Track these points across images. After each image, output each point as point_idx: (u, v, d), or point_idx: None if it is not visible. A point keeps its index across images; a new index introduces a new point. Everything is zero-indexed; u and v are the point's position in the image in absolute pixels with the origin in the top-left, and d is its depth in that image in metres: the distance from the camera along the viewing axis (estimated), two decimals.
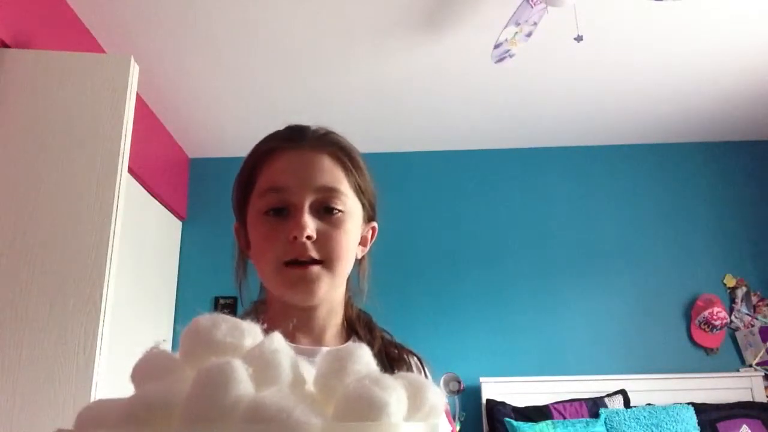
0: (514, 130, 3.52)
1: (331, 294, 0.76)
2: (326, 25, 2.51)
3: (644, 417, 2.90)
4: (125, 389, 0.39)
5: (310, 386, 0.39)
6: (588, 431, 2.82)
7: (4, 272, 1.72)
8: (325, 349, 0.74)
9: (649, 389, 3.18)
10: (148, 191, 3.13)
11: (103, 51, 2.55)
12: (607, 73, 2.95)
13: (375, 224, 0.83)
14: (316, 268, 0.72)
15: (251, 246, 0.77)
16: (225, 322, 0.41)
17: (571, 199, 3.63)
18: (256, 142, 0.80)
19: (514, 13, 2.20)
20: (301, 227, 0.70)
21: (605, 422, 2.89)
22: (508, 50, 2.37)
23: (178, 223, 3.60)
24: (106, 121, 1.89)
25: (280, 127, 0.81)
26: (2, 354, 1.66)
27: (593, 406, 3.02)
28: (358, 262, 0.81)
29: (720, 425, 2.92)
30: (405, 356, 0.81)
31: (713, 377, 3.24)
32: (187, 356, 0.40)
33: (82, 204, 1.80)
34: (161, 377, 0.39)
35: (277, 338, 0.39)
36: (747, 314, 3.39)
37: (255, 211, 0.75)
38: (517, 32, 2.28)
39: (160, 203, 3.31)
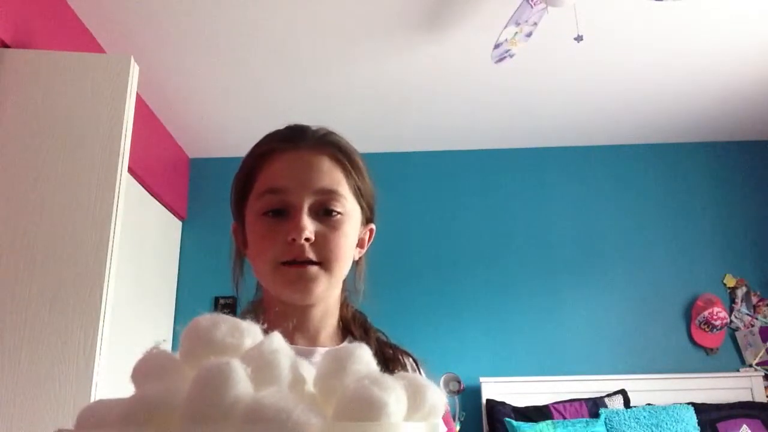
0: (514, 130, 3.52)
1: (327, 294, 0.76)
2: (326, 25, 2.51)
3: (644, 417, 2.90)
4: (125, 389, 0.39)
5: (309, 386, 0.39)
6: (588, 431, 2.83)
7: (4, 272, 1.72)
8: (320, 349, 0.74)
9: (649, 389, 3.18)
10: (148, 191, 3.13)
11: (103, 51, 2.55)
12: (607, 73, 2.95)
13: (373, 226, 0.83)
14: (314, 268, 0.72)
15: (249, 246, 0.77)
16: (225, 322, 0.41)
17: (571, 199, 3.63)
18: (256, 142, 0.80)
19: (514, 13, 2.20)
20: (300, 229, 0.70)
21: (605, 422, 2.89)
22: (508, 50, 2.37)
23: (178, 223, 3.60)
24: (106, 121, 1.89)
25: (280, 126, 0.80)
26: (2, 354, 1.66)
27: (593, 406, 3.02)
28: (355, 264, 0.81)
29: (720, 425, 2.92)
30: (400, 357, 0.81)
31: (713, 377, 3.24)
32: (187, 356, 0.40)
33: (82, 204, 1.80)
34: (161, 377, 0.39)
35: (277, 338, 0.39)
36: (747, 314, 3.39)
37: (253, 211, 0.75)
38: (517, 32, 2.28)
39: (160, 203, 3.31)
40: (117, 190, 1.84)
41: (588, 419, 2.92)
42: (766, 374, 3.26)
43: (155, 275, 3.25)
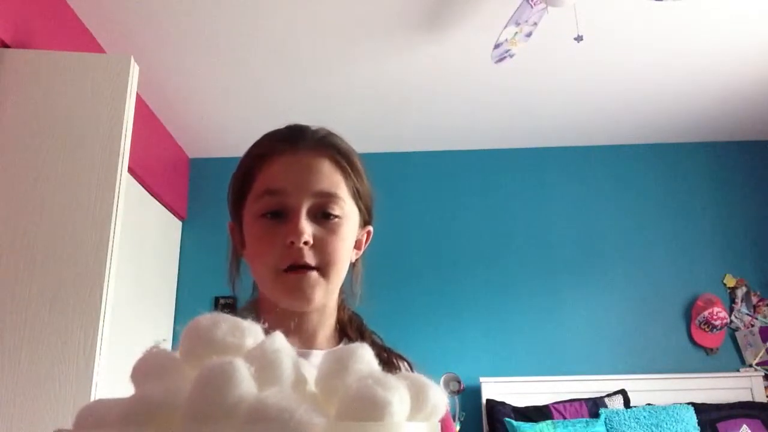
0: (514, 130, 3.52)
1: (325, 299, 0.75)
2: (326, 25, 2.51)
3: (644, 417, 2.90)
4: (125, 389, 0.39)
5: (311, 386, 0.39)
6: (588, 431, 2.82)
7: (4, 272, 1.72)
8: (316, 351, 0.74)
9: (649, 389, 3.18)
10: (148, 191, 3.13)
11: (103, 51, 2.55)
12: (607, 73, 2.95)
13: (370, 228, 0.83)
14: (313, 274, 0.71)
15: (246, 246, 0.76)
16: (225, 321, 0.40)
17: (572, 199, 3.63)
18: (255, 141, 0.79)
19: (514, 13, 2.20)
20: (299, 232, 0.69)
21: (605, 422, 2.89)
22: (508, 50, 2.37)
23: (178, 223, 3.60)
24: (106, 121, 1.89)
25: (280, 126, 0.80)
26: (2, 354, 1.65)
27: (593, 406, 3.02)
28: (352, 266, 0.80)
29: (720, 425, 2.92)
30: (395, 360, 0.81)
31: (713, 377, 3.24)
32: (187, 356, 0.40)
33: (82, 204, 1.80)
34: (161, 377, 0.39)
35: (279, 338, 0.39)
36: (747, 314, 3.39)
37: (251, 212, 0.74)
38: (517, 32, 2.28)
39: (160, 203, 3.31)
40: (117, 190, 1.84)
41: (588, 419, 2.92)
42: (766, 374, 3.26)
43: (155, 275, 3.25)
